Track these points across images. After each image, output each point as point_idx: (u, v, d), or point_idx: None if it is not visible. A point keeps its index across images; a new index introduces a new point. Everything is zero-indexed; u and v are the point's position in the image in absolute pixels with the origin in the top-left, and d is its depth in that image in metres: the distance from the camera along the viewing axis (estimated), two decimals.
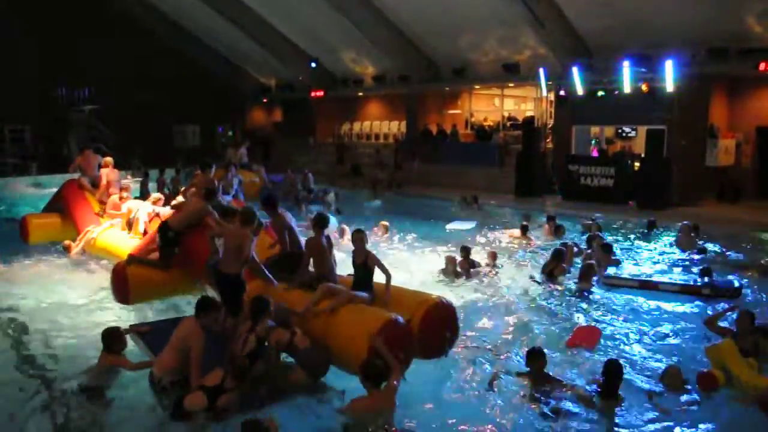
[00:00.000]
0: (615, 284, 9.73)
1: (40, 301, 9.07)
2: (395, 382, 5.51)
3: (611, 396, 5.74)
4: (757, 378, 6.00)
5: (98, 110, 27.98)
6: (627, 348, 7.38)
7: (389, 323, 5.99)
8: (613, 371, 5.80)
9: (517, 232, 13.43)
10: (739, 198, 17.83)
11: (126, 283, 8.33)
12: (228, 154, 21.42)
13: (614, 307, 8.95)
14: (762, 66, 16.26)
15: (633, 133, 20.75)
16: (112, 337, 6.41)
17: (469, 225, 15.06)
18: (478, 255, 11.22)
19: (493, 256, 10.97)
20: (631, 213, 16.17)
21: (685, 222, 12.73)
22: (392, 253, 11.82)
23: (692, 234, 12.41)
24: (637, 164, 18.12)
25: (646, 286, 9.62)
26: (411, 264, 11.08)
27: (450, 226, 15.04)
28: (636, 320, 8.37)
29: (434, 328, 6.35)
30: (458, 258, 10.51)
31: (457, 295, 9.09)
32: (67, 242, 11.60)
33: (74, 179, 12.98)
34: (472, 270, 10.35)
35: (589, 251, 11.17)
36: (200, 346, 5.89)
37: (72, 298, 9.16)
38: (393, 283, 6.91)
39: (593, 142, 21.32)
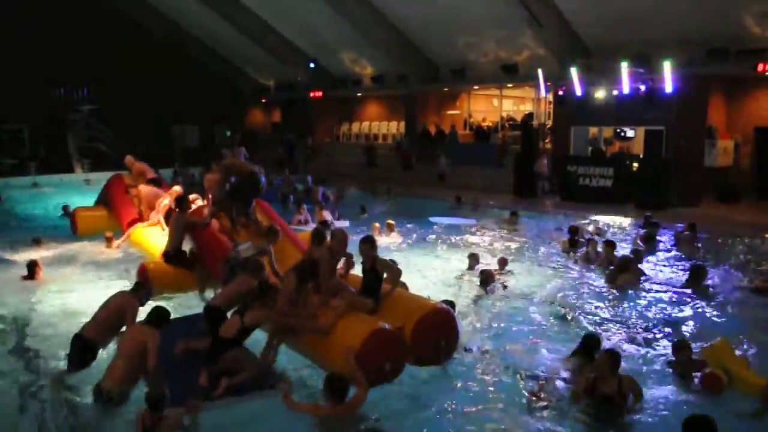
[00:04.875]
0: None
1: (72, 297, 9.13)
2: (359, 400, 5.40)
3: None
4: (755, 376, 5.97)
5: (97, 110, 28.00)
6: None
7: (376, 333, 5.89)
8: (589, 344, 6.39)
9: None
10: (738, 199, 17.84)
11: (147, 278, 8.47)
12: (223, 155, 21.37)
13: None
14: (760, 67, 16.26)
15: (632, 134, 20.75)
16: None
17: (465, 222, 15.06)
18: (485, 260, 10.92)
19: (503, 262, 10.49)
20: (629, 214, 16.16)
21: (686, 233, 12.70)
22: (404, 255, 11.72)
23: (696, 243, 12.34)
24: (635, 165, 18.12)
25: None
26: (423, 270, 10.77)
27: (440, 220, 15.06)
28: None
29: (428, 335, 6.23)
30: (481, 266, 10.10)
31: (484, 307, 8.68)
32: (109, 234, 11.87)
33: (118, 175, 13.34)
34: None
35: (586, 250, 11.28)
36: (157, 349, 5.83)
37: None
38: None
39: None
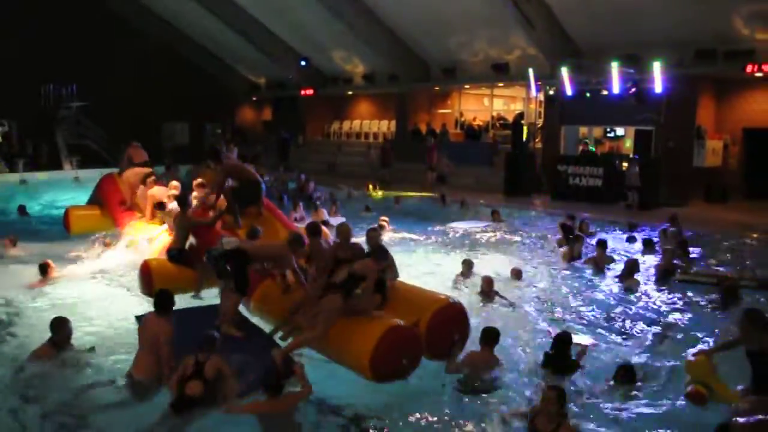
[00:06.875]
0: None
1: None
2: (300, 394, 5.47)
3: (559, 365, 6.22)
4: (732, 394, 6.03)
5: (86, 107, 27.79)
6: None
7: (391, 330, 5.93)
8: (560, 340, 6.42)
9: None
10: (726, 198, 17.99)
11: (150, 277, 8.48)
12: (229, 150, 21.24)
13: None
14: (749, 68, 16.43)
15: (621, 132, 20.89)
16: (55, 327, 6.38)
17: (476, 225, 14.93)
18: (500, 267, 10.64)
19: (518, 273, 10.02)
20: (618, 213, 16.26)
21: (671, 228, 12.77)
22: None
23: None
24: (625, 164, 18.22)
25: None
26: (417, 274, 10.34)
27: (455, 225, 14.82)
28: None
29: (443, 329, 6.31)
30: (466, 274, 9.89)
31: (480, 315, 8.18)
32: (107, 239, 11.60)
33: (111, 173, 13.22)
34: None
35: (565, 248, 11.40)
36: (169, 340, 5.91)
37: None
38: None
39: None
